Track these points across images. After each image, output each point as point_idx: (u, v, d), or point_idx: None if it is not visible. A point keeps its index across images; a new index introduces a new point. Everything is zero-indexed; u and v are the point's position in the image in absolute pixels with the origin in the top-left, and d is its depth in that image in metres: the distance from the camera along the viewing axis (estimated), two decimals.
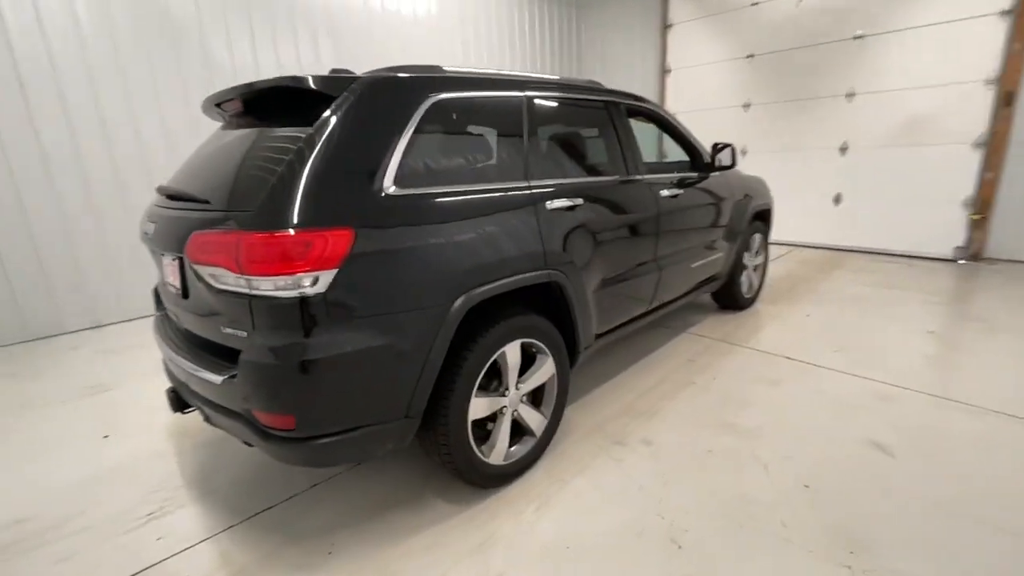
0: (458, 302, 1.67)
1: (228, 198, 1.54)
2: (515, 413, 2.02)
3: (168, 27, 4.31)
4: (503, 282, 1.80)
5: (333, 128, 1.54)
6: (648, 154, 3.42)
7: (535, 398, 2.18)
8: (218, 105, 1.93)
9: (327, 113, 1.57)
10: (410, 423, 1.68)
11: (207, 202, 1.59)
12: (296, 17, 5.01)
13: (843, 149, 5.73)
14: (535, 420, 2.11)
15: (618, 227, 2.39)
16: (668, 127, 3.06)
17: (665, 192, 2.73)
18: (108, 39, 4.05)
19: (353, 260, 1.46)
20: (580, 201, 2.17)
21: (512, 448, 2.05)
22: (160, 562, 1.73)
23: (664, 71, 7.14)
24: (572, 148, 2.35)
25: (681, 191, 2.86)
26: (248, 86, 1.72)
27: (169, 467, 2.27)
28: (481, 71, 2.02)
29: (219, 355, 1.62)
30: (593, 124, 2.54)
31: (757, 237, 3.92)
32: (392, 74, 1.71)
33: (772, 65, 6.08)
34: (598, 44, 7.77)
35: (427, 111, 1.74)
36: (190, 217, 1.61)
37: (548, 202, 2.03)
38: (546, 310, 2.20)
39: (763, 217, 4.05)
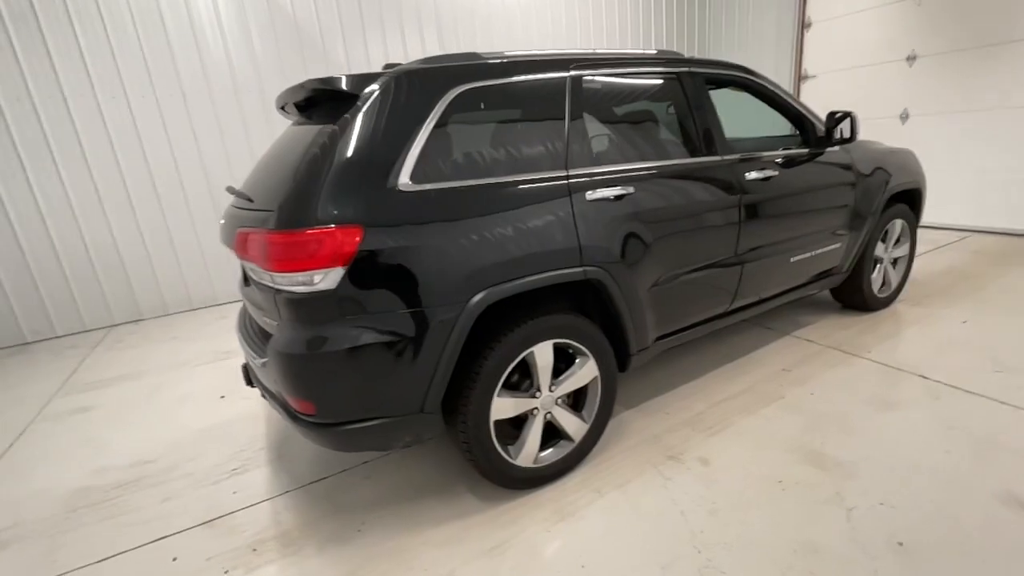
0: (474, 300, 1.62)
1: (266, 196, 1.66)
2: (548, 416, 1.93)
3: (295, 36, 4.82)
4: (527, 280, 1.70)
5: (349, 126, 1.57)
6: (753, 129, 2.96)
7: (577, 401, 2.06)
8: (283, 108, 2.09)
9: (348, 112, 1.60)
10: (427, 418, 1.69)
11: (251, 200, 1.74)
12: (403, 12, 5.25)
13: None
14: (573, 425, 1.99)
15: (682, 216, 2.11)
16: (767, 96, 2.59)
17: (754, 174, 2.33)
18: (247, 53, 4.67)
19: (363, 257, 1.49)
20: (630, 190, 1.95)
21: (545, 452, 1.96)
22: (230, 513, 2.00)
23: (803, 25, 6.11)
24: (628, 130, 2.11)
25: (776, 172, 2.42)
26: (291, 89, 1.83)
27: (258, 430, 2.61)
28: (518, 53, 1.90)
29: (266, 340, 1.78)
30: (658, 101, 2.26)
31: (898, 224, 3.19)
32: (411, 68, 1.68)
33: (944, 5, 4.84)
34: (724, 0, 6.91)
35: (452, 103, 1.68)
36: (241, 215, 1.77)
37: (588, 192, 1.86)
38: (591, 309, 2.05)
39: (909, 199, 3.29)
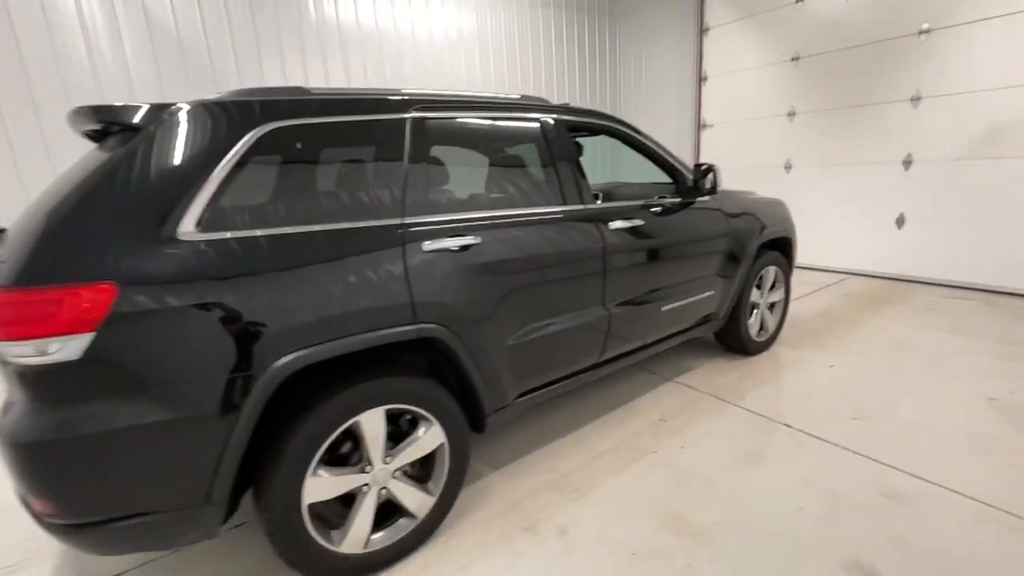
0: (273, 368, 1.39)
1: (13, 243, 1.37)
2: (384, 492, 1.70)
3: (178, 52, 4.46)
4: (343, 342, 1.50)
5: (119, 163, 1.32)
6: (646, 176, 2.98)
7: (425, 471, 1.85)
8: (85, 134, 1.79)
9: (120, 147, 1.36)
10: (216, 509, 1.41)
11: None
12: (304, 35, 5.04)
13: (907, 162, 4.87)
14: (415, 499, 1.77)
15: (538, 267, 2.01)
16: (637, 146, 2.61)
17: (618, 224, 2.30)
18: (119, 64, 4.24)
19: (118, 320, 1.23)
20: (476, 240, 1.82)
21: (380, 534, 1.72)
22: None
23: (700, 79, 6.53)
24: (479, 177, 2.00)
25: (643, 222, 2.41)
26: (71, 114, 1.55)
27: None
28: (357, 90, 1.75)
29: None
30: (514, 147, 2.18)
31: (771, 270, 3.31)
32: (208, 100, 1.47)
33: (820, 68, 5.32)
34: (632, 56, 7.29)
35: (258, 141, 1.48)
36: None
37: (427, 242, 1.71)
38: (443, 368, 1.88)
39: (780, 247, 3.44)
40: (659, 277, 2.54)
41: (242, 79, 4.82)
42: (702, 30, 6.40)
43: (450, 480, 1.86)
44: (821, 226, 5.61)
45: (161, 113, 1.41)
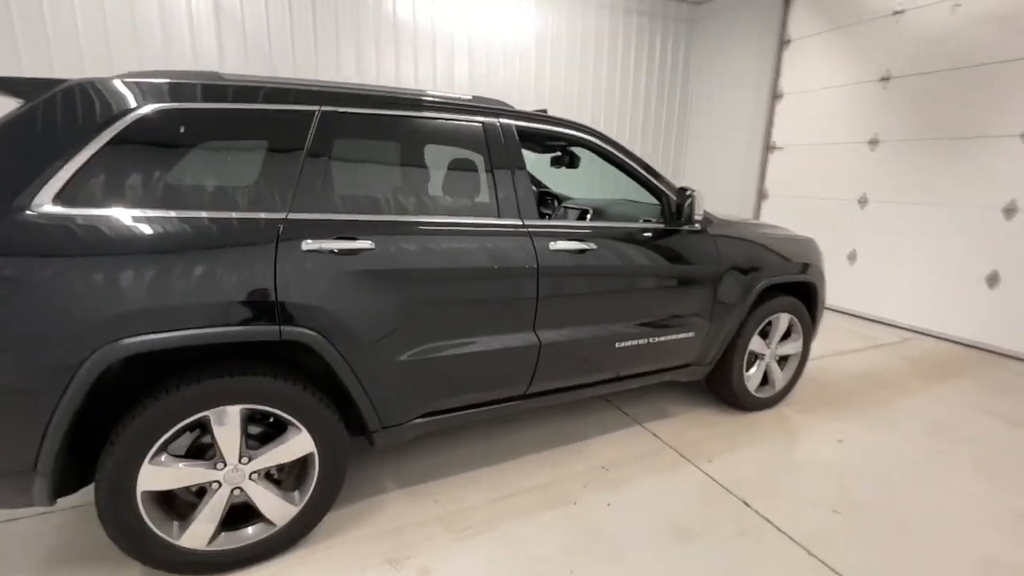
0: (99, 352, 1.37)
1: None
2: (237, 492, 1.64)
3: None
4: (182, 335, 1.45)
5: None
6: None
7: (301, 479, 1.78)
8: None
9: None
10: (43, 480, 1.42)
11: None
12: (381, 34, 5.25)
13: (1010, 210, 4.02)
14: (273, 505, 1.70)
15: (446, 281, 1.84)
16: (615, 161, 2.34)
17: (560, 244, 2.06)
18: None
19: None
20: (367, 244, 1.70)
21: (226, 533, 1.67)
22: None
23: (775, 96, 5.89)
24: (392, 180, 1.88)
25: (594, 246, 2.15)
26: None
27: None
28: (265, 79, 1.70)
29: None
30: (443, 151, 2.02)
31: (783, 318, 2.86)
32: (90, 79, 1.49)
33: (914, 91, 4.56)
34: (704, 66, 6.77)
35: (137, 122, 1.48)
36: None
37: (308, 241, 1.62)
38: (316, 374, 1.78)
39: (800, 293, 2.96)
40: (615, 310, 2.26)
41: (296, 66, 5.09)
42: (783, 42, 5.77)
43: (319, 492, 1.76)
44: (893, 273, 4.83)
45: (47, 87, 1.45)
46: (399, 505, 2.06)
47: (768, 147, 6.01)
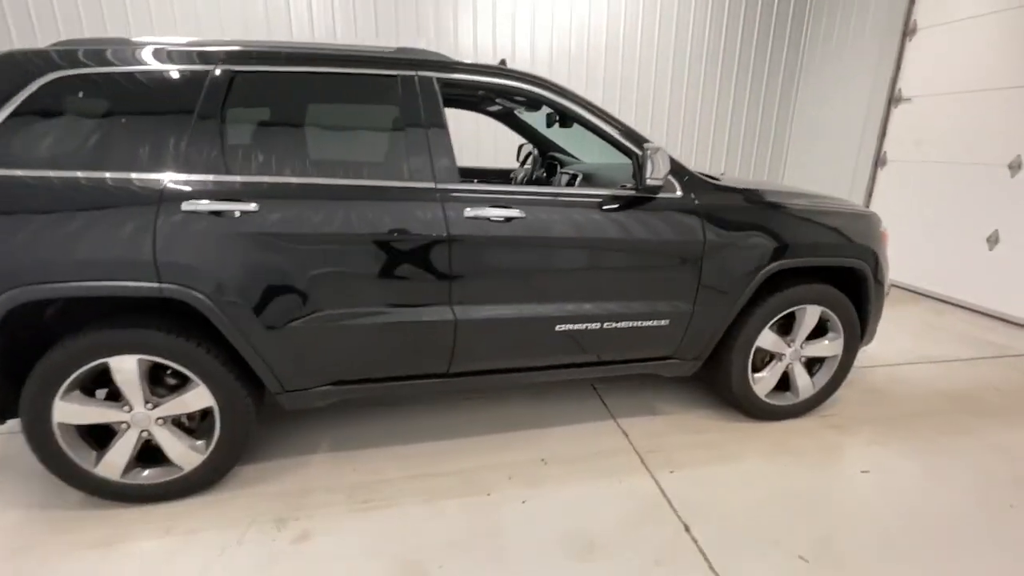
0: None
1: None
2: (145, 434, 1.79)
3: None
4: (70, 285, 1.56)
5: None
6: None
7: (209, 430, 1.88)
8: None
9: None
10: None
11: None
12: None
13: None
14: (177, 451, 1.81)
15: (340, 245, 1.74)
16: (572, 115, 2.00)
17: (475, 213, 1.84)
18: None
19: None
20: (250, 207, 1.67)
21: (139, 470, 1.83)
22: None
23: (907, 31, 4.64)
24: (288, 140, 1.78)
25: (521, 214, 1.87)
26: None
27: None
28: (164, 40, 1.72)
29: None
30: (349, 108, 1.88)
31: (812, 311, 2.29)
32: (7, 50, 1.62)
33: None
34: None
35: (42, 89, 1.59)
36: None
37: (188, 202, 1.63)
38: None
39: (837, 278, 2.35)
40: (553, 288, 1.98)
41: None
42: None
43: (223, 444, 1.84)
44: None
45: None
46: (320, 468, 2.09)
47: (893, 99, 4.81)
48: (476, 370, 2.07)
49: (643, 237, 2.02)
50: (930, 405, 2.66)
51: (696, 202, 2.08)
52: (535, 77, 1.98)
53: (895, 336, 3.58)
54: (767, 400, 2.41)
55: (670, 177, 2.06)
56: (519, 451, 2.21)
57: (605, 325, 2.07)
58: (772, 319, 2.26)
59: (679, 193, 2.07)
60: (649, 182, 1.86)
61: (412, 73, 1.85)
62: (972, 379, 2.96)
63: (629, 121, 5.92)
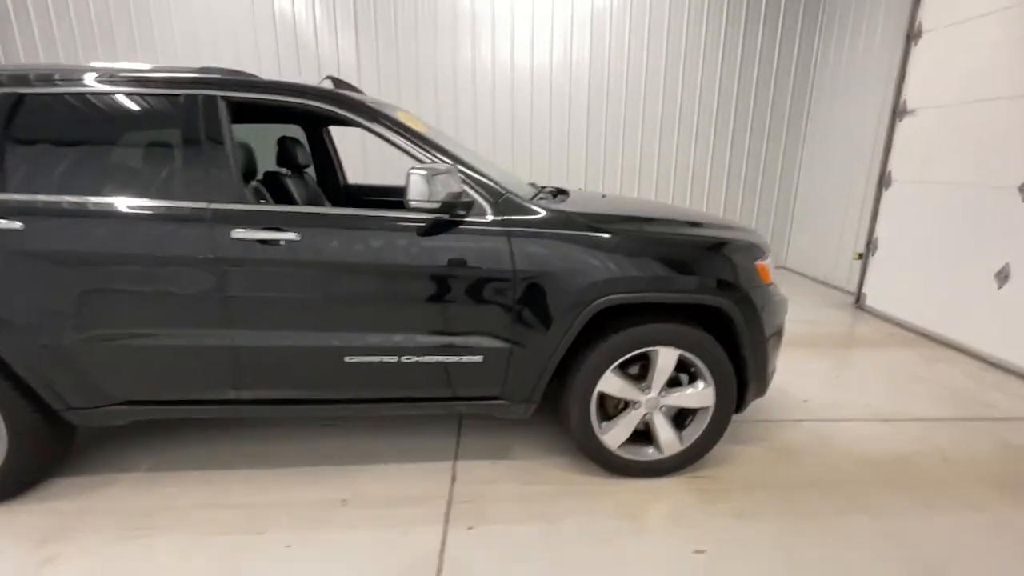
0: None
1: None
2: None
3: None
4: None
5: None
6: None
7: None
8: None
9: None
10: None
11: None
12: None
13: None
14: None
15: (104, 267, 1.72)
16: (374, 132, 1.87)
17: (243, 233, 1.75)
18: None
19: None
20: (17, 225, 1.68)
21: None
22: None
23: (912, 34, 4.06)
24: (67, 158, 1.76)
25: (296, 236, 1.77)
26: None
27: None
28: None
29: None
30: (119, 128, 1.82)
31: (666, 355, 1.98)
32: None
33: None
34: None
35: None
36: None
37: None
38: None
39: (713, 317, 2.01)
40: (337, 317, 1.84)
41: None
42: None
43: (14, 458, 1.86)
44: None
45: None
46: (121, 488, 2.05)
47: (897, 111, 4.23)
48: (266, 399, 1.96)
49: (442, 265, 1.84)
50: (844, 473, 2.21)
51: (506, 227, 1.87)
52: (328, 94, 1.88)
53: (866, 385, 3.06)
54: (621, 454, 2.10)
55: (479, 199, 1.88)
56: (327, 488, 2.07)
57: (403, 359, 1.90)
58: (615, 361, 1.98)
59: (489, 216, 1.87)
60: (411, 203, 1.69)
61: (196, 92, 1.81)
62: (921, 445, 2.44)
63: (611, 151, 5.83)
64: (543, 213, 1.94)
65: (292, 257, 1.79)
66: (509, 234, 1.86)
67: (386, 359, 1.90)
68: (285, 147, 2.61)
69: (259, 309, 1.82)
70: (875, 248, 4.48)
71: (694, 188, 5.99)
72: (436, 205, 1.71)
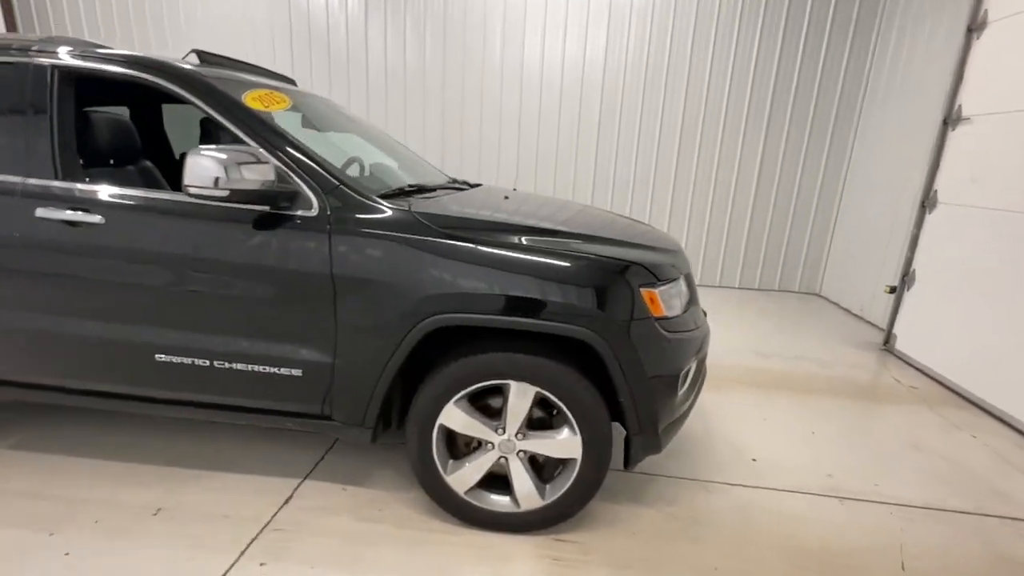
0: None
1: None
2: None
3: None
4: None
5: None
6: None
7: None
8: None
9: None
10: None
11: None
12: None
13: None
14: None
15: None
16: (208, 112, 1.68)
17: (46, 212, 1.62)
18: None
19: None
20: None
21: None
22: None
23: (973, 26, 3.31)
24: None
25: (99, 219, 1.62)
26: None
27: None
28: None
29: None
30: None
31: (520, 391, 1.64)
32: None
33: None
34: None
35: None
36: None
37: None
38: None
39: (585, 351, 1.66)
40: (142, 310, 1.69)
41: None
42: None
43: None
44: None
45: None
46: None
47: (949, 119, 3.48)
48: (87, 390, 1.84)
49: (253, 263, 1.62)
50: (755, 563, 1.74)
51: (332, 224, 1.62)
52: (164, 65, 1.72)
53: (842, 449, 2.50)
54: (469, 499, 1.79)
55: (306, 190, 1.64)
56: (155, 491, 1.93)
57: (216, 364, 1.71)
58: (457, 392, 1.67)
59: (315, 211, 1.63)
60: (188, 189, 1.48)
61: (25, 61, 1.72)
62: (879, 538, 1.90)
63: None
64: (387, 212, 1.67)
65: (95, 242, 1.65)
66: (331, 232, 1.61)
67: (198, 362, 1.71)
68: (206, 128, 2.52)
69: (65, 295, 1.70)
70: (911, 282, 3.74)
71: (716, 201, 5.38)
72: (224, 193, 1.49)
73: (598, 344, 1.59)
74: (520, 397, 1.66)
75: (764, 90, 5.03)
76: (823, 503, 2.09)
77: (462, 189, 2.35)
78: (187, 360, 1.72)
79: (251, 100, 1.77)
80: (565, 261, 1.63)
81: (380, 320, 1.62)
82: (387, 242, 1.62)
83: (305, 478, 2.06)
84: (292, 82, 2.70)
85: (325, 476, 2.08)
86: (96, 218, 1.65)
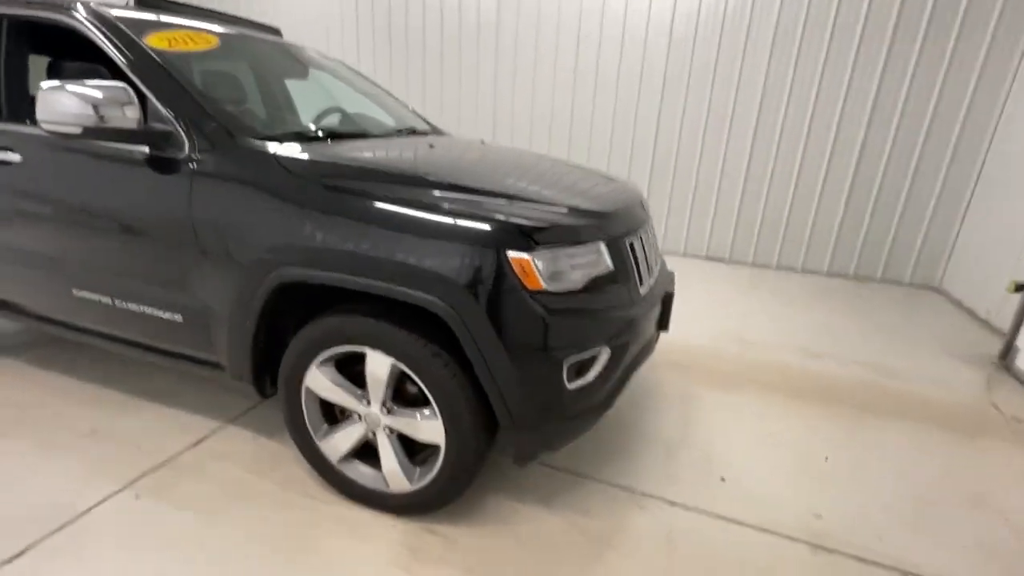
0: None
1: None
2: None
3: None
4: None
5: None
6: None
7: None
8: None
9: None
10: None
11: None
12: None
13: None
14: None
15: None
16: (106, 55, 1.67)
17: None
18: None
19: None
20: None
21: None
22: None
23: None
24: None
25: (16, 158, 1.73)
26: None
27: None
28: None
29: None
30: None
31: (379, 363, 1.45)
32: None
33: None
34: None
35: None
36: None
37: None
38: None
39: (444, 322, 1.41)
40: (59, 246, 1.80)
41: None
42: None
43: None
44: None
45: None
46: None
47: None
48: (44, 316, 2.02)
49: (131, 203, 1.62)
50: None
51: (195, 166, 1.53)
52: (63, 5, 1.73)
53: (869, 490, 1.91)
54: (342, 469, 1.67)
55: (179, 130, 1.57)
56: (104, 412, 2.10)
57: (117, 303, 1.76)
58: (318, 354, 1.53)
59: (184, 151, 1.56)
60: (43, 124, 1.46)
61: None
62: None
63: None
64: (249, 155, 1.54)
65: (12, 180, 1.77)
66: (193, 174, 1.54)
67: (103, 299, 1.79)
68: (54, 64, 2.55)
69: (13, 227, 1.87)
70: None
71: (805, 166, 4.45)
72: (77, 130, 1.47)
73: (448, 316, 1.33)
74: (377, 367, 1.47)
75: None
76: (788, 549, 1.62)
77: (415, 136, 2.15)
78: (95, 297, 1.81)
79: (155, 40, 1.74)
80: (423, 217, 1.37)
81: (234, 269, 1.53)
82: (241, 186, 1.50)
83: (230, 423, 2.10)
84: (277, 32, 2.68)
85: (248, 424, 2.10)
86: (15, 156, 1.77)
